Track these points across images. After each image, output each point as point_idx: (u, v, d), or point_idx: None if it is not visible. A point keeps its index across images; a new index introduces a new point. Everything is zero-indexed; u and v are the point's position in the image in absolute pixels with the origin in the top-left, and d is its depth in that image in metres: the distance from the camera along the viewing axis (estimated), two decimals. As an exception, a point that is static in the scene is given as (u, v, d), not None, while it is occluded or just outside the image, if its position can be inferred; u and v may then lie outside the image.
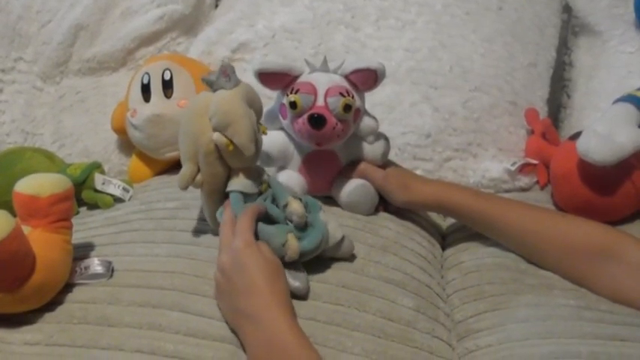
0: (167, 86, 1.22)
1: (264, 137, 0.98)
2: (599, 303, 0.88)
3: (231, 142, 0.85)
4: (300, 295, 0.85)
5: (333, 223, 0.90)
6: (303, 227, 0.87)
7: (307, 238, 0.86)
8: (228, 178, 0.91)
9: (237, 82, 0.88)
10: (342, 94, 0.94)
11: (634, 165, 1.03)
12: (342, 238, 0.91)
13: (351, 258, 0.93)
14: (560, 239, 0.93)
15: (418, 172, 1.21)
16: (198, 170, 0.89)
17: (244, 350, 0.78)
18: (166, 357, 0.77)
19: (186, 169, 0.88)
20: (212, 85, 0.87)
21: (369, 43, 1.32)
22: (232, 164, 0.89)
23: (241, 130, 0.85)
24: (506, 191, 1.25)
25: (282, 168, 1.04)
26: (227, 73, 0.87)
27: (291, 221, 0.87)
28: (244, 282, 0.78)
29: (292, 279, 0.84)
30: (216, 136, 0.85)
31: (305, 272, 0.87)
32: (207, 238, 0.95)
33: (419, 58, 1.29)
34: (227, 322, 0.81)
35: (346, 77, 0.97)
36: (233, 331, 0.80)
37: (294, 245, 0.84)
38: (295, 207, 0.86)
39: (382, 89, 1.01)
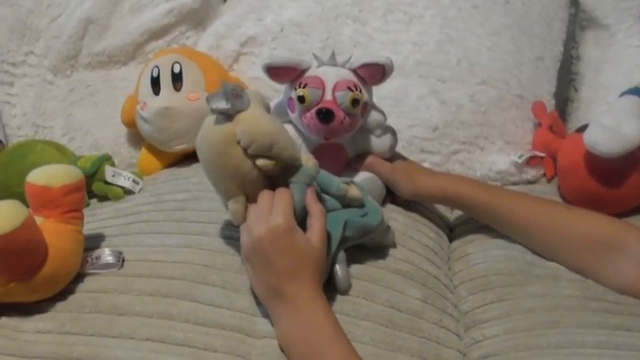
0: (176, 79, 1.23)
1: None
2: (605, 294, 0.88)
3: (276, 159, 0.81)
4: (342, 288, 0.87)
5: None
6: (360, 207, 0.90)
7: (369, 215, 0.89)
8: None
9: (249, 98, 0.81)
10: (350, 89, 0.94)
11: (640, 157, 1.03)
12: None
13: (361, 249, 0.93)
14: (567, 231, 0.93)
15: (425, 164, 1.21)
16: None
17: (266, 334, 0.80)
18: (176, 345, 0.78)
19: (236, 206, 0.82)
20: (227, 112, 0.78)
21: (376, 36, 1.32)
22: (278, 175, 0.84)
23: (284, 143, 0.81)
24: (514, 184, 1.25)
25: (290, 160, 1.05)
26: (239, 94, 0.79)
27: (349, 206, 0.89)
28: (287, 263, 0.78)
29: (340, 270, 0.86)
30: (261, 162, 0.80)
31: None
32: (216, 229, 0.95)
33: (426, 52, 1.29)
34: (254, 292, 0.83)
35: (354, 71, 0.97)
36: (244, 317, 0.82)
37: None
38: (354, 193, 0.88)
39: (390, 82, 1.01)
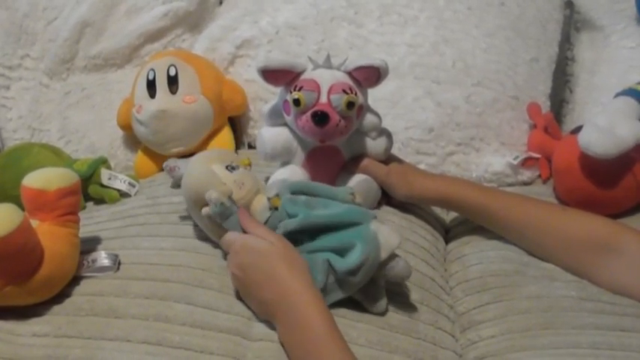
0: (172, 82, 1.23)
1: (268, 132, 1.01)
2: (600, 294, 0.88)
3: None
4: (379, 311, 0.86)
5: (386, 230, 0.86)
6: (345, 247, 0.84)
7: (350, 254, 0.83)
8: None
9: (183, 165, 0.94)
10: (345, 92, 0.94)
11: (635, 158, 1.03)
12: (396, 256, 0.85)
13: None
14: (562, 232, 0.93)
15: (421, 166, 1.22)
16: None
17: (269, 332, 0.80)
18: (173, 348, 0.78)
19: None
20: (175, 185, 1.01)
21: (372, 38, 1.32)
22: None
23: (207, 188, 0.87)
24: (509, 185, 1.25)
25: (286, 163, 1.05)
26: (172, 167, 0.99)
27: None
28: (261, 272, 0.80)
29: (371, 304, 0.86)
30: (204, 210, 0.87)
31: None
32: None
33: (421, 54, 1.30)
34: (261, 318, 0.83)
35: (349, 73, 0.97)
36: (240, 320, 0.83)
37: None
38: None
39: (385, 84, 1.01)
